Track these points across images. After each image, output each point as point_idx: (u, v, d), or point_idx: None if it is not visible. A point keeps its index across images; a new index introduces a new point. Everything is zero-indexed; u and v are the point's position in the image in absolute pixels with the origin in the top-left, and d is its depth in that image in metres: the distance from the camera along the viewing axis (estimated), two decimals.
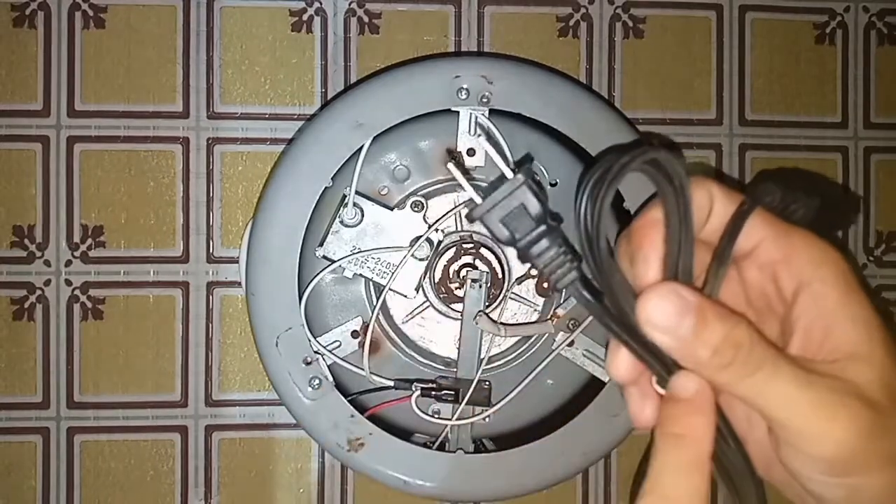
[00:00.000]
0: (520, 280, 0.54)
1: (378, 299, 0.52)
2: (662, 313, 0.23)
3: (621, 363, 0.25)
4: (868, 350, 0.24)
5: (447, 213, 0.53)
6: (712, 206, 0.26)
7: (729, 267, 0.25)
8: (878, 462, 0.23)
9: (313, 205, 0.50)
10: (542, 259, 0.24)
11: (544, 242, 0.24)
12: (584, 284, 0.24)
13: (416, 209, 0.53)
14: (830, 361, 0.24)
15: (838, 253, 0.25)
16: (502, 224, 0.24)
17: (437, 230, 0.53)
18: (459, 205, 0.53)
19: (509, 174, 0.24)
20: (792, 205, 0.26)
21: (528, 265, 0.54)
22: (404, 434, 0.52)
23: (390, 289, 0.52)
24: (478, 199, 0.24)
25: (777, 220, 0.26)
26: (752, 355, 0.23)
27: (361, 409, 0.51)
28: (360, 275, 0.53)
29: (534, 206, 0.24)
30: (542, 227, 0.24)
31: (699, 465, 0.23)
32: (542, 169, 0.54)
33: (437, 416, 0.52)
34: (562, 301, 0.54)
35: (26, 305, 0.61)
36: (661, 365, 0.24)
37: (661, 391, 0.25)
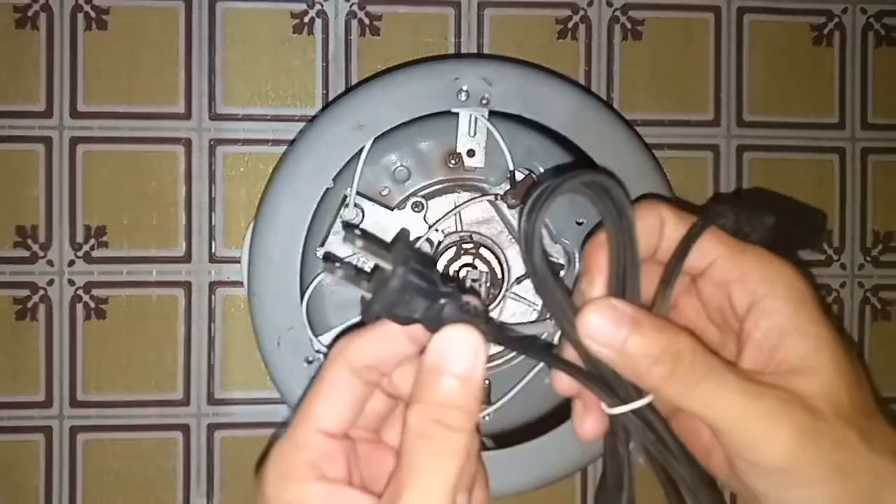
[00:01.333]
0: (519, 280, 0.55)
1: None
2: (600, 324, 0.23)
3: (563, 377, 0.26)
4: (815, 364, 0.24)
5: (447, 213, 0.53)
6: (664, 229, 0.26)
7: (674, 288, 0.26)
8: (822, 473, 0.23)
9: (315, 205, 0.50)
10: (452, 320, 0.24)
11: (448, 310, 0.24)
12: (500, 331, 0.25)
13: (416, 210, 0.54)
14: (779, 373, 0.24)
15: (793, 270, 0.26)
16: (401, 314, 0.24)
17: (436, 230, 0.53)
18: (459, 205, 0.54)
19: (386, 266, 0.24)
20: (746, 226, 0.27)
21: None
22: None
23: None
24: (367, 295, 0.24)
25: (731, 239, 0.26)
26: (694, 366, 0.23)
27: None
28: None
29: (421, 286, 0.24)
30: (439, 301, 0.24)
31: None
32: (542, 169, 0.55)
33: None
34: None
35: (29, 305, 0.61)
36: (600, 386, 0.24)
37: (606, 409, 0.25)
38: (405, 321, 0.24)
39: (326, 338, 0.53)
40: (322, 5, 0.63)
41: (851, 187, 0.67)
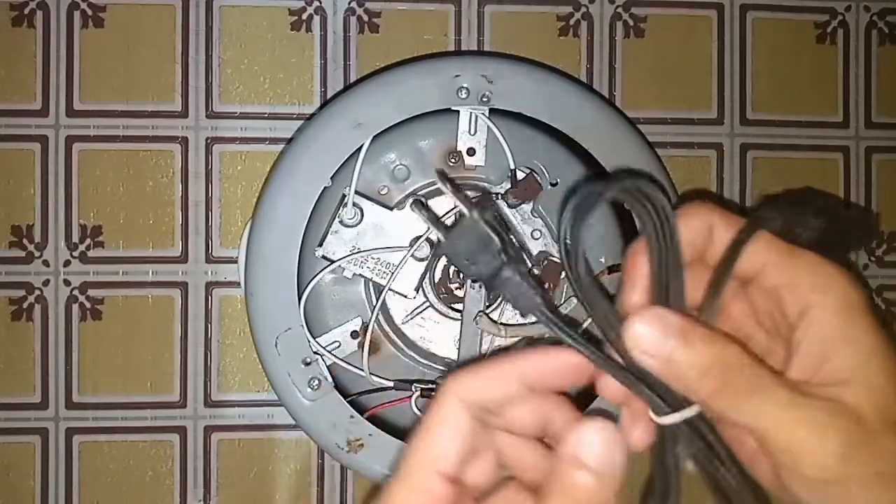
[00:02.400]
0: None
1: (378, 299, 0.52)
2: (647, 336, 0.23)
3: (610, 383, 0.25)
4: (864, 374, 0.24)
5: (447, 213, 0.53)
6: (712, 233, 0.26)
7: (722, 296, 0.25)
8: (869, 483, 0.23)
9: (313, 204, 0.50)
10: (507, 289, 0.25)
11: (506, 272, 0.25)
12: (551, 310, 0.25)
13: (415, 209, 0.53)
14: (828, 383, 0.24)
15: (844, 277, 0.25)
16: (466, 259, 0.25)
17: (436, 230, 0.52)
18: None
19: (466, 212, 0.25)
20: (796, 228, 0.26)
21: (530, 266, 0.54)
22: (404, 435, 0.52)
23: (390, 289, 0.52)
24: (442, 238, 0.26)
25: (781, 244, 0.26)
26: (743, 379, 0.23)
27: (361, 410, 0.51)
28: (360, 275, 0.52)
29: (493, 242, 0.25)
30: (502, 260, 0.25)
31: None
32: (543, 168, 0.54)
33: None
34: (562, 301, 0.54)
35: (25, 306, 0.61)
36: (650, 393, 0.24)
37: (655, 417, 0.24)
38: (465, 270, 0.25)
39: (324, 339, 0.53)
40: (320, 2, 0.62)
41: (855, 186, 0.66)
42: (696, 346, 0.23)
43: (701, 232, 0.26)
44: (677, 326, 0.23)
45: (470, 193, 0.54)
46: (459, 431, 0.24)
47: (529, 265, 0.25)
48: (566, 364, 0.25)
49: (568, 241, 0.24)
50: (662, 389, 0.24)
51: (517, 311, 0.25)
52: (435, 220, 0.27)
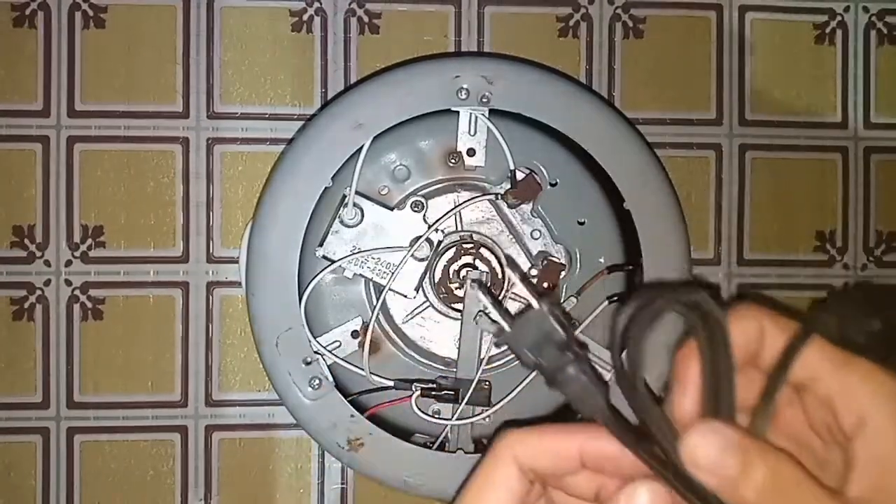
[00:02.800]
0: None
1: (378, 299, 0.52)
2: (705, 453, 0.22)
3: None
4: None
5: (447, 213, 0.53)
6: (763, 338, 0.25)
7: (775, 404, 0.25)
8: None
9: (313, 205, 0.50)
10: (570, 388, 0.24)
11: (571, 370, 0.24)
12: (613, 413, 0.24)
13: (416, 209, 0.53)
14: (889, 501, 0.23)
15: None
16: (529, 351, 0.25)
17: (437, 230, 0.53)
18: (460, 205, 0.53)
19: (535, 304, 0.25)
20: (852, 332, 0.26)
21: (529, 267, 0.54)
22: (404, 434, 0.52)
23: (390, 289, 0.52)
24: (506, 326, 0.25)
25: (835, 350, 0.25)
26: (799, 496, 0.23)
27: (361, 410, 0.51)
28: (360, 275, 0.53)
29: (559, 335, 0.25)
30: (568, 356, 0.24)
31: None
32: (543, 169, 0.54)
33: (437, 416, 0.52)
34: (562, 301, 0.54)
35: (26, 305, 0.61)
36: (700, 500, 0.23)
37: None
38: (528, 361, 0.25)
39: (325, 338, 0.53)
40: (321, 3, 0.63)
41: (854, 187, 0.66)
42: (754, 463, 0.22)
43: (753, 336, 0.25)
44: (735, 443, 0.22)
45: (467, 195, 0.54)
46: (512, 494, 0.24)
47: (591, 364, 0.25)
48: (628, 461, 0.24)
49: (624, 360, 0.23)
50: (716, 502, 0.23)
51: (578, 413, 0.25)
52: (498, 305, 0.26)
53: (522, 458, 0.25)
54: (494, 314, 0.26)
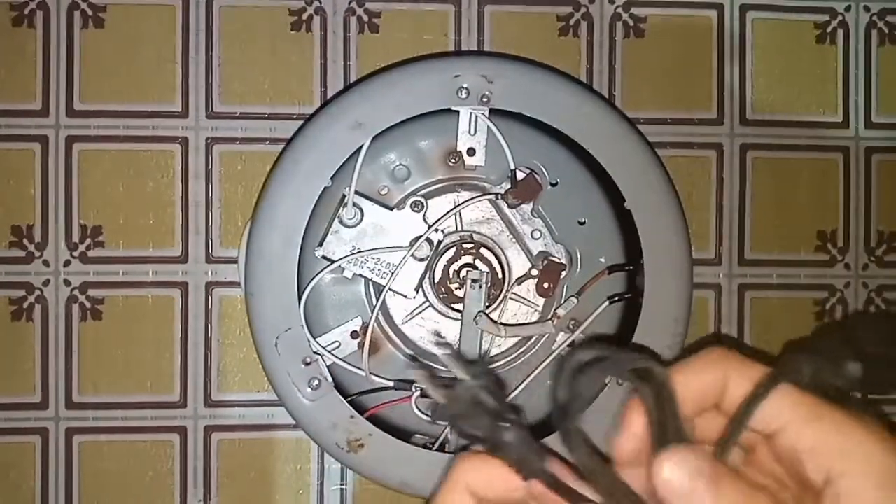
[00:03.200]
0: (520, 280, 0.54)
1: (378, 299, 0.52)
2: (676, 477, 0.22)
3: None
4: None
5: (447, 213, 0.53)
6: (727, 385, 0.25)
7: (731, 454, 0.24)
8: None
9: (313, 205, 0.50)
10: (509, 454, 0.25)
11: (507, 437, 0.25)
12: (556, 479, 0.25)
13: (415, 209, 0.53)
14: None
15: (876, 442, 0.23)
16: (463, 424, 0.25)
17: (436, 230, 0.52)
18: (460, 204, 0.53)
19: (462, 377, 0.25)
20: (829, 379, 0.25)
21: (530, 267, 0.54)
22: (404, 435, 0.52)
23: (390, 289, 0.52)
24: (441, 400, 0.26)
25: (807, 400, 0.24)
26: None
27: (361, 410, 0.51)
28: (360, 275, 0.52)
29: (491, 404, 0.25)
30: (502, 424, 0.25)
31: None
32: (543, 168, 0.54)
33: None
34: (562, 301, 0.54)
35: (25, 306, 0.61)
36: None
37: None
38: (464, 433, 0.25)
39: (324, 339, 0.53)
40: (320, 2, 0.62)
41: (855, 186, 0.66)
42: (725, 490, 0.22)
43: (714, 385, 0.25)
44: (708, 469, 0.22)
45: (467, 194, 0.54)
46: None
47: (527, 428, 0.25)
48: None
49: (566, 425, 0.24)
50: None
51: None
52: (435, 382, 0.27)
53: (474, 487, 0.25)
54: (431, 391, 0.26)
